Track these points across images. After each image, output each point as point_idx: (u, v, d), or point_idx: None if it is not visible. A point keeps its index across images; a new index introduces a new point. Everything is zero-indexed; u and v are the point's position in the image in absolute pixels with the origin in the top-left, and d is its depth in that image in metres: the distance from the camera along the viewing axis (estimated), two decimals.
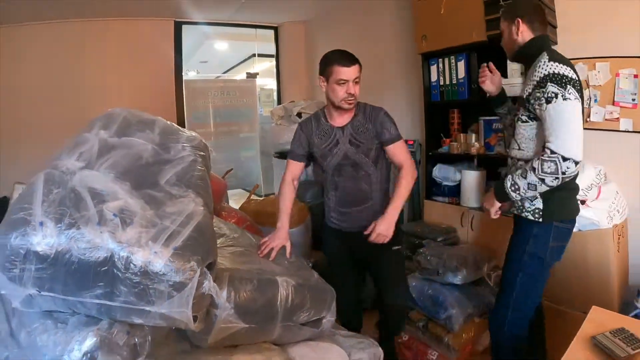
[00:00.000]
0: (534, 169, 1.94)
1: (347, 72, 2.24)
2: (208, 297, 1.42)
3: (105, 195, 1.37)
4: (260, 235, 2.60)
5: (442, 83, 3.66)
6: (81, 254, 1.24)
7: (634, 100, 2.78)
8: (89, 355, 1.31)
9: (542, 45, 2.14)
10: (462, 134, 3.61)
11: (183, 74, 6.03)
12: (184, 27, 5.85)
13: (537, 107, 1.97)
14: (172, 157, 1.72)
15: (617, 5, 2.78)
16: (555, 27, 3.05)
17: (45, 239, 1.24)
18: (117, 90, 5.22)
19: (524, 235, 2.17)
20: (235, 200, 5.18)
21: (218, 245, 1.85)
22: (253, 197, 4.74)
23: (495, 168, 3.39)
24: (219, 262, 1.67)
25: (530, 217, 2.12)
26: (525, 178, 1.98)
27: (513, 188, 2.04)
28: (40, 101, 4.99)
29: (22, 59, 4.92)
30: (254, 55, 7.45)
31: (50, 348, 1.35)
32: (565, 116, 1.89)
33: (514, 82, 3.01)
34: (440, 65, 3.64)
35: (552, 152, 1.88)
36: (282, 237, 2.33)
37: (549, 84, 1.91)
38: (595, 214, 2.61)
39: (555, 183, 1.93)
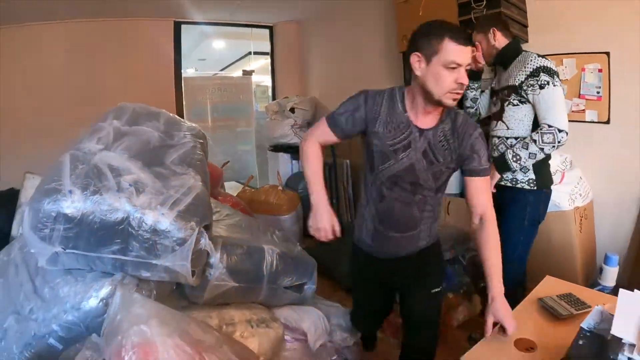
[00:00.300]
0: (534, 141, 2.36)
1: (463, 53, 1.57)
2: (204, 254, 1.72)
3: (121, 170, 1.66)
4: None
5: None
6: (103, 215, 1.53)
7: (598, 92, 3.02)
8: (104, 300, 1.59)
9: (518, 46, 2.64)
10: None
11: (182, 71, 6.16)
12: (183, 27, 5.97)
13: (530, 92, 2.40)
14: (176, 143, 2.00)
15: (582, 7, 3.02)
16: (526, 26, 3.31)
17: (73, 203, 1.52)
18: (119, 87, 5.30)
19: (521, 204, 2.56)
20: (231, 191, 5.41)
21: (214, 219, 2.15)
22: (247, 187, 5.03)
23: None
24: (214, 232, 1.97)
25: (527, 187, 2.52)
26: (526, 149, 2.40)
27: (515, 158, 2.44)
28: (43, 100, 5.08)
29: (24, 59, 4.99)
30: (250, 53, 7.60)
31: (71, 297, 1.62)
32: (555, 99, 2.35)
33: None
34: None
35: (550, 126, 2.33)
36: (326, 212, 1.92)
37: (541, 73, 2.36)
38: (558, 196, 2.86)
39: (551, 151, 2.38)
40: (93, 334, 1.42)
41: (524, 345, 1.58)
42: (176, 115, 2.30)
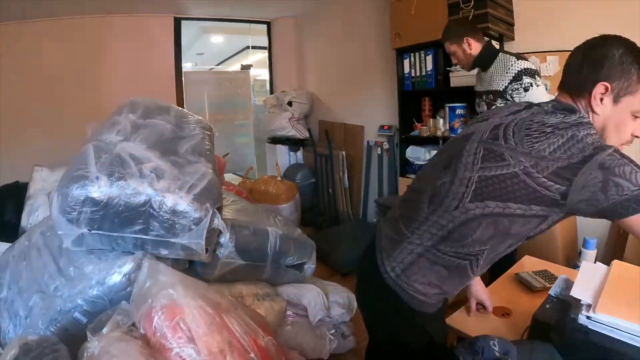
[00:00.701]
0: None
1: None
2: (216, 233, 1.92)
3: (142, 159, 1.84)
4: None
5: (413, 75, 4.05)
6: (127, 198, 1.71)
7: None
8: (127, 276, 1.78)
9: (495, 49, 2.72)
10: (431, 119, 4.04)
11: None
12: (183, 22, 6.02)
13: (515, 95, 2.49)
14: (186, 135, 2.19)
15: (565, 6, 3.15)
16: (512, 25, 3.46)
17: (100, 188, 1.69)
18: (121, 83, 5.36)
19: None
20: None
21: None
22: (246, 179, 5.23)
23: None
24: (223, 215, 2.16)
25: None
26: None
27: None
28: (43, 96, 5.13)
29: (25, 55, 5.01)
30: (248, 47, 7.69)
31: (96, 274, 1.79)
32: (540, 98, 2.34)
33: (474, 72, 3.45)
34: (412, 59, 4.03)
35: None
36: None
37: (524, 77, 2.46)
38: None
39: None
40: (122, 301, 1.61)
41: (500, 312, 1.78)
42: (184, 109, 2.48)
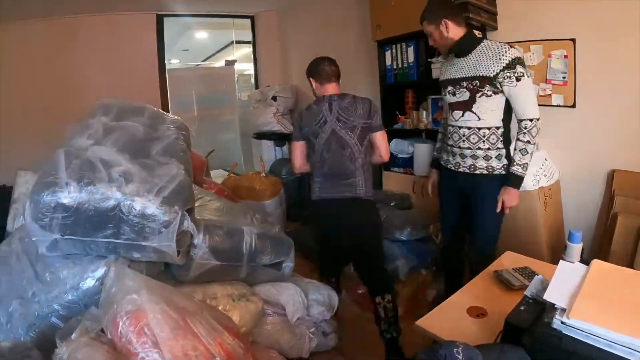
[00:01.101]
0: (528, 142, 2.45)
1: None
2: (188, 235, 1.91)
3: (111, 162, 1.83)
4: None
5: (395, 67, 4.07)
6: (96, 203, 1.70)
7: (564, 78, 3.17)
8: (100, 280, 1.77)
9: (476, 37, 2.64)
10: (415, 112, 4.04)
11: (166, 62, 6.23)
12: (166, 19, 6.05)
13: (506, 84, 2.44)
14: (159, 136, 2.17)
15: None
16: (495, 14, 3.45)
17: (70, 194, 1.69)
18: (104, 82, 5.36)
19: (498, 188, 2.58)
20: (218, 179, 5.52)
21: (198, 205, 2.34)
22: (232, 175, 5.21)
23: None
24: (197, 215, 2.15)
25: (503, 172, 2.58)
26: (527, 153, 2.47)
27: (524, 168, 2.50)
28: (29, 97, 5.16)
29: (8, 57, 5.03)
30: (232, 42, 7.68)
31: (70, 279, 1.79)
32: (530, 89, 2.47)
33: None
34: (393, 51, 4.04)
35: (531, 119, 2.43)
36: None
37: (517, 65, 2.41)
38: None
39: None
40: (92, 306, 1.61)
41: (476, 312, 1.75)
42: (159, 109, 2.47)
